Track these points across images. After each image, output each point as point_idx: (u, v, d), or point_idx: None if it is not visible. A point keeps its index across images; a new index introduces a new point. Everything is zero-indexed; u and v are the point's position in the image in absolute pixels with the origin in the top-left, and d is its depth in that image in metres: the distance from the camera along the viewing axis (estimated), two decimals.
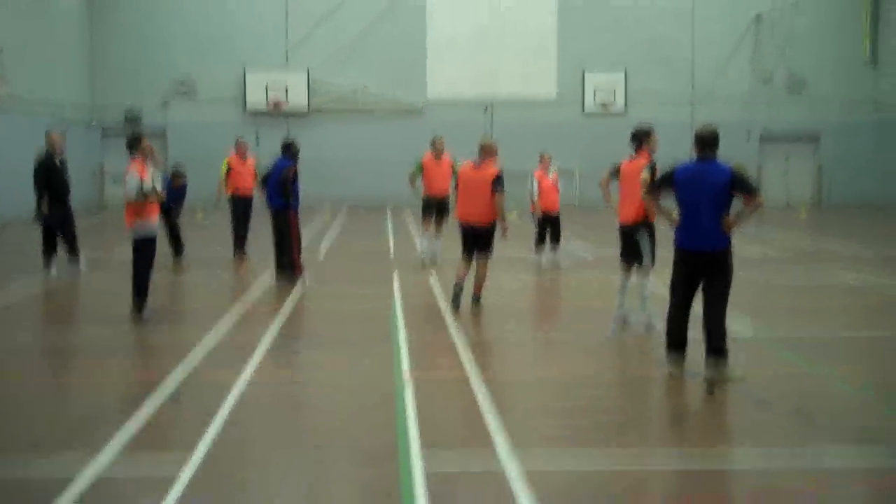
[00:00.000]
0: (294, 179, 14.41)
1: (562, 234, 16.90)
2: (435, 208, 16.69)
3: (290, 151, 14.65)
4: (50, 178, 15.04)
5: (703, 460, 6.55)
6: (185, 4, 33.43)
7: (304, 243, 18.91)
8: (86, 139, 31.75)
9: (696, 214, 8.62)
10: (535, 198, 16.52)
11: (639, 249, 10.80)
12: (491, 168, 11.98)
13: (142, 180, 11.23)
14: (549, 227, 16.63)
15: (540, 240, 16.76)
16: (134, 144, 11.51)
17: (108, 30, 33.24)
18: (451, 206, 16.59)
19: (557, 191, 16.79)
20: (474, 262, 12.24)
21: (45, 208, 14.98)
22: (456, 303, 11.97)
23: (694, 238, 8.66)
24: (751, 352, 9.67)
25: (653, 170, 10.39)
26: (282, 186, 14.28)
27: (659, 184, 9.11)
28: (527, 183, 16.84)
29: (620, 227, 11.05)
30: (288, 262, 14.41)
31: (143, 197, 11.20)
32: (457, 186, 12.41)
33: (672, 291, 8.95)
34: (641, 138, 10.91)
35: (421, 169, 16.73)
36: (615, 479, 6.14)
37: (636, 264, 10.92)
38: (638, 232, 10.77)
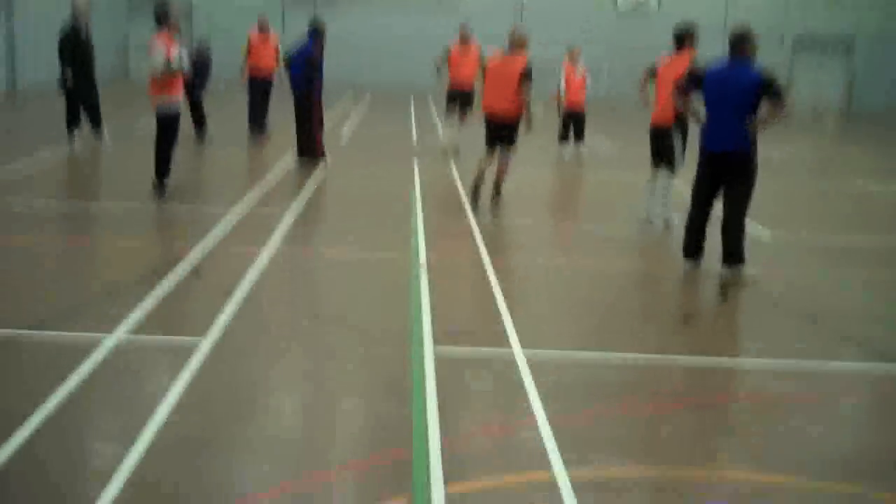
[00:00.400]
0: (319, 63, 14.27)
1: (586, 130, 16.76)
2: (459, 98, 16.47)
3: (317, 34, 14.46)
4: (75, 48, 14.93)
5: (708, 359, 6.63)
6: None
7: (326, 127, 18.92)
8: (111, 8, 31.34)
9: (722, 115, 8.53)
10: (563, 92, 16.35)
11: (667, 150, 10.69)
12: (520, 60, 11.74)
13: (168, 54, 11.14)
14: (573, 123, 16.50)
15: (564, 134, 16.67)
16: (162, 17, 11.37)
17: None
18: (476, 97, 16.50)
19: (585, 88, 16.59)
20: (497, 155, 12.12)
21: (69, 79, 14.92)
22: (475, 194, 11.80)
23: (717, 139, 8.59)
24: (766, 255, 9.69)
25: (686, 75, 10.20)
26: (307, 68, 14.14)
27: (688, 83, 8.97)
28: (554, 76, 16.64)
29: (653, 128, 10.89)
30: (310, 142, 14.36)
31: (168, 71, 11.14)
32: (484, 77, 12.19)
33: (693, 193, 8.93)
34: (684, 38, 10.67)
35: (448, 58, 16.48)
36: (619, 372, 6.24)
37: (663, 163, 10.83)
38: (669, 132, 10.64)
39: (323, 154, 14.40)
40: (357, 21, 32.92)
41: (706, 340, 7.12)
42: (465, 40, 16.35)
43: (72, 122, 15.22)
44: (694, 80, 8.90)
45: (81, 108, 15.16)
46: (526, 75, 11.55)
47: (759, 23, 31.22)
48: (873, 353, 6.91)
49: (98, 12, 20.48)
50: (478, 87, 16.16)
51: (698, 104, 8.91)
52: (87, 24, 15.18)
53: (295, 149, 14.58)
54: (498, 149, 11.92)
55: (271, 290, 7.74)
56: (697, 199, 8.87)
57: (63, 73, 14.89)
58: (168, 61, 11.10)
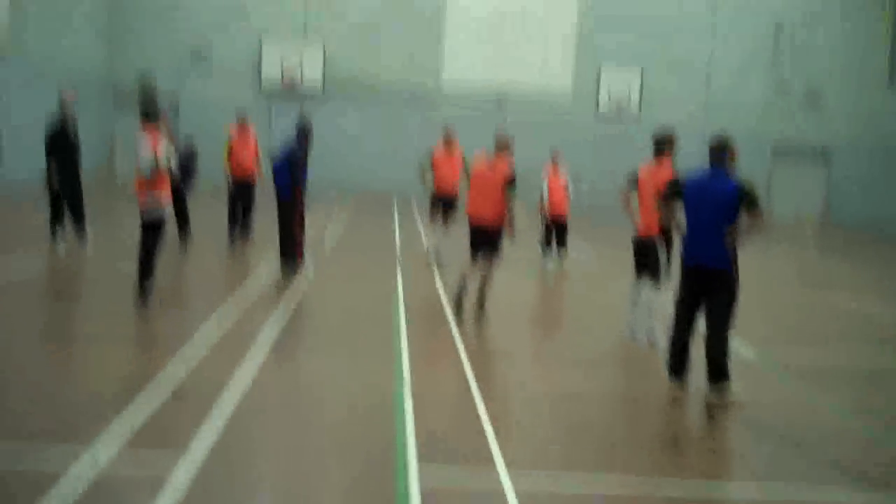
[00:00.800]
0: (304, 162, 14.16)
1: (568, 238, 16.83)
2: (443, 203, 16.46)
3: (303, 133, 14.30)
4: (61, 143, 14.90)
5: (696, 489, 6.53)
6: None
7: (310, 230, 18.90)
8: (98, 104, 31.59)
9: (700, 227, 8.51)
10: (545, 199, 16.45)
11: (651, 262, 10.69)
12: (504, 165, 11.74)
13: (155, 154, 10.95)
14: (555, 230, 16.57)
15: (546, 242, 16.72)
16: (149, 112, 11.13)
17: None
18: (460, 202, 16.60)
19: (567, 193, 16.70)
20: (481, 264, 12.09)
21: (54, 175, 14.87)
22: (458, 303, 11.75)
23: (697, 253, 8.56)
24: (751, 375, 9.66)
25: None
26: (291, 166, 14.01)
27: (669, 193, 8.94)
28: (536, 181, 16.75)
29: (637, 238, 10.86)
30: (291, 245, 14.16)
31: (156, 170, 11.00)
32: (469, 182, 12.23)
33: (675, 309, 8.89)
34: (664, 144, 10.67)
35: (431, 163, 16.50)
36: (605, 499, 6.14)
37: (648, 276, 10.82)
38: (654, 244, 10.66)
39: (302, 256, 14.23)
40: (340, 118, 33.25)
41: (693, 464, 7.03)
42: (448, 143, 16.43)
43: (55, 222, 15.12)
44: (673, 190, 8.88)
45: (65, 207, 15.07)
46: (511, 181, 11.58)
47: (740, 129, 32.09)
48: (859, 480, 6.84)
49: (84, 107, 20.64)
50: (462, 190, 16.31)
51: (681, 215, 8.89)
52: (74, 119, 15.16)
53: (277, 254, 14.48)
54: (481, 257, 11.87)
55: (252, 410, 7.60)
56: (679, 315, 8.83)
57: (49, 168, 14.84)
58: (155, 159, 10.89)
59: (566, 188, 16.70)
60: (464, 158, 16.43)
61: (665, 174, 10.29)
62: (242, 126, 17.51)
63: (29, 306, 11.14)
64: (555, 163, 16.74)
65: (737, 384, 8.61)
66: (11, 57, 24.63)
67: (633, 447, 7.35)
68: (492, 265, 11.91)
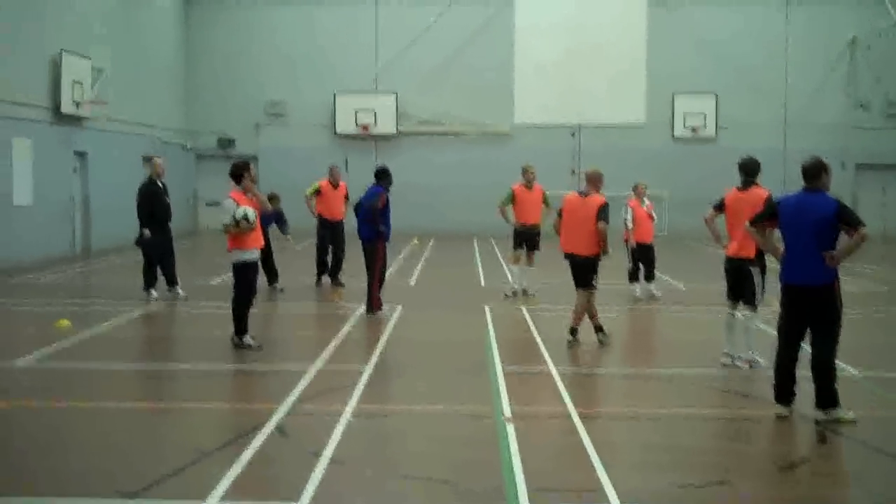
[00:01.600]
0: (385, 208, 14.29)
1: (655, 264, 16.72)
2: (525, 237, 16.57)
3: (383, 178, 14.49)
4: (153, 202, 15.45)
5: None
6: (278, 30, 33.93)
7: (393, 269, 19.03)
8: (180, 163, 32.33)
9: (800, 247, 8.46)
10: (630, 227, 16.39)
11: (747, 285, 10.55)
12: (596, 198, 11.87)
13: (240, 207, 11.39)
14: (643, 260, 16.47)
15: (634, 271, 16.61)
16: (237, 175, 11.71)
17: (202, 55, 33.94)
18: (543, 236, 16.62)
19: (652, 220, 16.66)
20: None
21: (147, 233, 15.37)
22: (574, 336, 12.00)
23: (798, 272, 8.48)
24: (859, 394, 9.42)
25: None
26: (371, 214, 14.17)
27: (763, 216, 9.00)
28: (615, 208, 16.68)
29: (730, 262, 10.74)
30: (368, 296, 14.30)
31: (235, 225, 11.35)
32: (560, 216, 12.24)
33: (779, 332, 8.77)
34: (751, 171, 10.68)
35: (512, 198, 16.63)
36: None
37: (742, 300, 10.67)
38: (751, 266, 10.52)
39: (380, 308, 14.26)
40: (416, 160, 33.47)
41: (810, 489, 6.86)
42: (528, 179, 16.54)
43: (149, 280, 15.61)
44: (768, 213, 8.93)
45: (151, 267, 15.57)
46: (602, 210, 11.72)
47: (819, 147, 31.52)
48: None
49: (169, 169, 21.20)
50: (546, 226, 16.37)
51: (777, 236, 8.85)
52: (164, 182, 15.79)
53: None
54: (577, 288, 12.03)
55: (359, 450, 7.65)
56: (784, 337, 8.70)
57: (141, 229, 15.34)
58: (243, 215, 11.33)
59: (651, 217, 16.65)
60: (544, 194, 16.55)
61: (755, 198, 10.30)
62: (333, 182, 17.89)
63: (128, 362, 11.36)
64: (639, 192, 16.71)
65: (844, 403, 8.42)
66: (95, 122, 25.36)
67: (747, 472, 7.19)
68: (585, 293, 11.99)
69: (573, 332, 12.05)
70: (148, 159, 28.88)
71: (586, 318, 12.09)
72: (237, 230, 11.40)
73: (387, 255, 14.56)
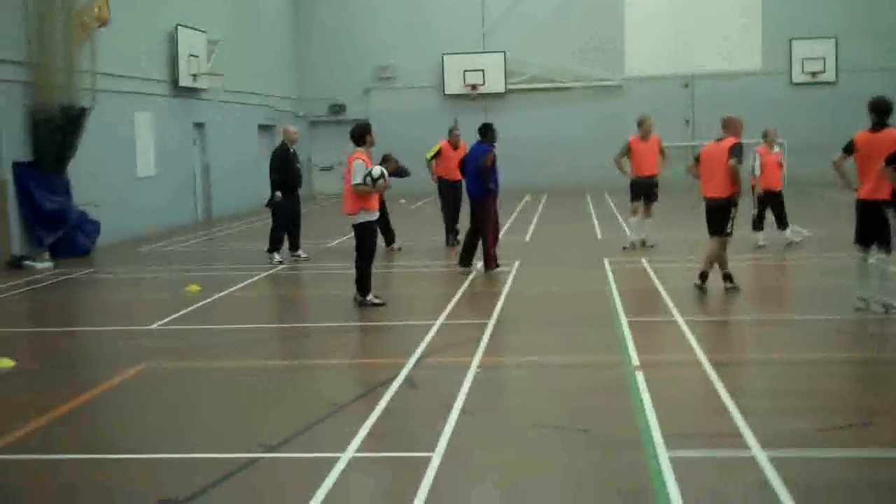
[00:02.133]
0: (493, 165, 14.24)
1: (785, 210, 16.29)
2: (644, 188, 16.38)
3: (488, 135, 14.42)
4: (285, 167, 16.01)
5: None
6: None
7: (507, 226, 19.01)
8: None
9: None
10: (758, 174, 16.01)
11: (882, 228, 10.18)
12: (729, 140, 11.79)
13: (375, 167, 11.55)
14: (771, 206, 16.05)
15: (758, 220, 16.20)
16: (359, 137, 11.85)
17: (311, 23, 34.30)
18: (661, 186, 16.39)
19: (781, 167, 16.26)
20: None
21: (279, 195, 15.83)
22: (703, 282, 11.91)
23: None
24: None
25: None
26: (480, 172, 14.13)
27: None
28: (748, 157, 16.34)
29: (863, 205, 10.38)
30: (484, 255, 14.26)
31: (372, 184, 11.48)
32: (696, 161, 12.20)
33: None
34: (887, 111, 10.32)
35: (627, 150, 16.45)
36: (873, 467, 5.87)
37: (876, 244, 10.31)
38: (886, 208, 10.13)
39: (495, 264, 14.22)
40: (526, 117, 33.32)
41: None
42: (643, 130, 16.34)
43: (275, 243, 16.04)
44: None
45: (279, 231, 15.93)
46: (734, 149, 11.61)
47: None
48: None
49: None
50: (670, 174, 16.24)
51: None
52: (295, 149, 16.46)
53: (460, 256, 14.56)
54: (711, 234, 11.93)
55: (488, 400, 7.69)
56: None
57: (273, 188, 15.96)
58: (372, 178, 11.46)
59: (780, 164, 16.23)
60: (660, 143, 16.36)
61: (889, 139, 9.99)
62: (453, 144, 17.86)
63: (261, 323, 11.62)
64: (769, 138, 16.32)
65: None
66: (212, 94, 25.91)
67: (891, 413, 6.98)
68: (717, 240, 11.86)
69: (703, 276, 11.90)
70: (267, 127, 29.73)
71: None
72: (373, 189, 11.53)
73: (498, 212, 14.50)
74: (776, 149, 16.33)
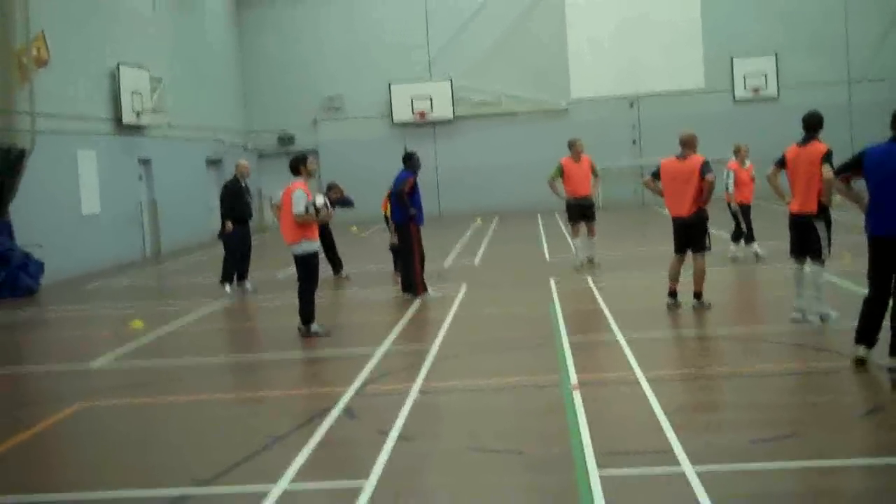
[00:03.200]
0: (412, 191, 14.25)
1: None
2: (579, 209, 16.51)
3: (410, 163, 14.52)
4: (236, 199, 16.18)
5: (891, 450, 6.25)
6: (328, 26, 34.14)
7: (457, 251, 19.08)
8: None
9: (887, 198, 8.33)
10: (731, 190, 16.21)
11: (813, 240, 10.36)
12: (696, 159, 11.74)
13: (312, 200, 11.55)
14: (744, 218, 16.23)
15: (738, 232, 16.35)
16: (298, 167, 11.86)
17: (257, 57, 34.30)
18: (598, 206, 16.53)
19: (753, 181, 16.46)
20: (686, 258, 12.00)
21: (230, 226, 16.02)
22: (673, 301, 11.96)
23: (884, 223, 8.38)
24: None
25: (831, 157, 10.03)
26: (399, 199, 14.23)
27: (848, 167, 8.91)
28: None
29: (794, 217, 10.59)
30: (409, 280, 14.31)
31: (314, 214, 11.50)
32: (654, 178, 12.16)
33: (869, 278, 8.61)
34: (816, 126, 10.47)
35: (561, 172, 16.56)
36: (801, 477, 5.95)
37: (809, 256, 10.47)
38: (815, 221, 10.33)
39: (423, 291, 14.23)
40: (474, 142, 33.58)
41: (882, 439, 6.71)
42: (575, 152, 16.51)
43: (227, 273, 16.12)
44: (853, 164, 8.82)
45: (232, 261, 16.02)
46: (705, 167, 11.61)
47: (885, 100, 30.83)
48: None
49: (230, 166, 21.64)
50: (595, 196, 16.65)
51: (861, 190, 8.80)
52: (247, 182, 16.62)
53: (401, 283, 14.65)
54: (691, 252, 11.90)
55: (427, 426, 7.69)
56: (872, 287, 8.56)
57: (223, 221, 16.14)
58: (314, 204, 11.50)
59: (752, 178, 16.40)
60: (592, 164, 16.64)
61: (815, 153, 10.20)
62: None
63: (204, 356, 11.53)
64: (741, 154, 16.51)
65: None
66: (157, 130, 25.81)
67: (819, 424, 7.08)
68: (700, 259, 11.88)
69: (697, 295, 11.93)
70: (216, 161, 29.67)
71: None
72: (315, 219, 11.56)
73: (421, 238, 14.47)
74: (748, 163, 16.51)
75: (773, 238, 16.69)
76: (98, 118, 22.83)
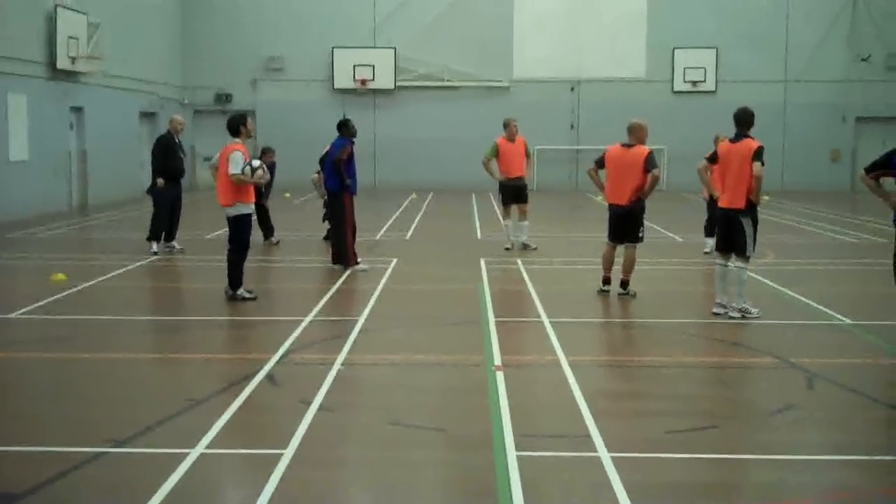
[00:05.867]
0: (349, 160, 14.06)
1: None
2: (512, 190, 16.49)
3: (345, 129, 14.26)
4: (168, 155, 15.95)
5: (800, 450, 6.43)
6: None
7: (389, 224, 19.08)
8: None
9: None
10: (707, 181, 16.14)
11: (738, 235, 10.55)
12: (641, 148, 11.81)
13: (249, 165, 11.44)
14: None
15: (711, 225, 15.98)
16: (236, 128, 11.69)
17: (200, 10, 33.64)
18: (532, 188, 16.56)
19: None
20: (619, 248, 12.12)
21: (160, 182, 15.80)
22: (606, 289, 12.12)
23: None
24: (849, 340, 9.47)
25: (762, 154, 10.25)
26: (336, 167, 14.05)
27: (877, 165, 9.52)
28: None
29: (722, 212, 10.77)
30: (342, 249, 14.17)
31: (251, 174, 11.41)
32: (602, 166, 12.17)
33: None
34: (747, 122, 10.65)
35: (495, 152, 16.55)
36: (714, 469, 6.10)
37: (734, 251, 10.67)
38: (741, 217, 10.52)
39: (354, 261, 14.12)
40: (415, 114, 33.48)
41: (795, 435, 6.90)
42: (509, 132, 16.47)
43: (155, 230, 15.84)
44: (882, 162, 9.47)
45: (161, 219, 15.82)
46: (650, 159, 11.71)
47: (821, 101, 31.52)
48: None
49: (164, 121, 21.24)
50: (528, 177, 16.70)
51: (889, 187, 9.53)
52: (180, 139, 16.37)
53: (331, 254, 14.54)
54: (625, 241, 12.03)
55: (348, 398, 7.71)
56: None
57: (154, 176, 15.92)
58: (251, 168, 11.42)
59: None
60: (526, 145, 16.61)
61: (745, 149, 10.43)
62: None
63: (126, 314, 11.36)
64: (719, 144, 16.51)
65: (833, 350, 8.47)
66: (91, 77, 25.24)
67: (735, 417, 7.25)
68: (633, 250, 12.02)
69: (624, 284, 12.05)
70: (150, 115, 29.15)
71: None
72: (251, 180, 11.46)
73: (354, 208, 14.34)
74: None
75: (690, 231, 17.12)
76: (32, 61, 22.25)
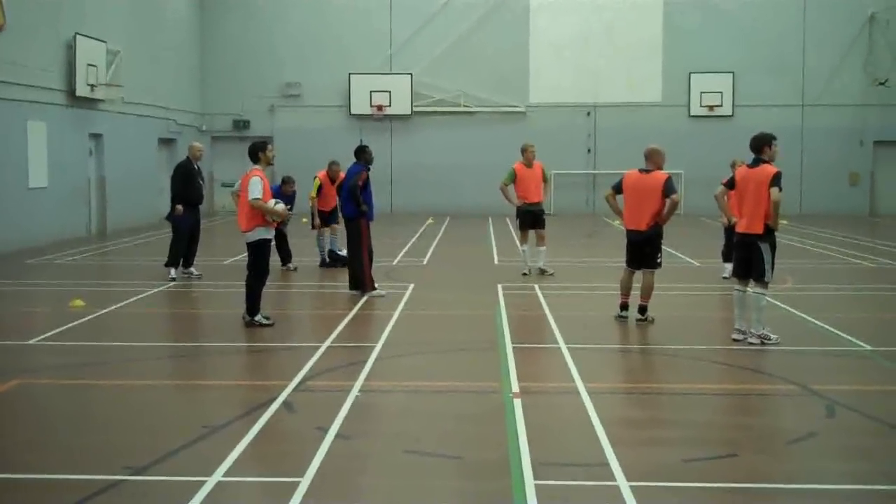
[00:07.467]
0: (365, 186, 14.12)
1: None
2: (530, 216, 16.47)
3: (362, 157, 14.31)
4: (187, 182, 15.95)
5: (821, 479, 6.36)
6: (292, 12, 33.85)
7: (406, 249, 19.08)
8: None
9: None
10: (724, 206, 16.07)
11: (757, 261, 10.50)
12: (659, 174, 11.79)
13: (266, 184, 11.54)
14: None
15: (728, 250, 15.90)
16: (255, 153, 11.80)
17: (217, 37, 33.91)
18: (549, 212, 16.54)
19: None
20: (637, 274, 12.08)
21: (179, 208, 15.85)
22: (624, 315, 12.09)
23: None
24: (868, 367, 9.39)
25: (779, 179, 10.21)
26: (352, 193, 14.07)
27: None
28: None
29: (741, 237, 10.71)
30: (359, 276, 14.14)
31: (273, 205, 11.51)
32: (619, 192, 12.11)
33: None
34: (764, 146, 10.61)
35: (513, 177, 16.55)
36: (732, 499, 6.04)
37: (752, 277, 10.62)
38: (759, 243, 10.47)
39: (370, 287, 14.10)
40: (431, 139, 33.57)
41: (816, 464, 6.84)
42: (528, 161, 16.47)
43: (174, 257, 15.93)
44: None
45: (180, 245, 15.87)
46: (669, 184, 11.66)
47: (838, 125, 31.47)
48: None
49: (183, 147, 21.35)
50: (546, 203, 16.66)
51: None
52: (199, 165, 16.42)
53: (349, 280, 14.42)
54: (642, 266, 11.99)
55: (365, 425, 7.68)
56: None
57: (174, 205, 15.92)
58: (274, 198, 11.58)
59: None
60: (543, 169, 16.59)
61: (763, 175, 10.39)
62: (330, 177, 17.36)
63: (145, 341, 11.40)
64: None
65: (854, 377, 8.41)
66: (110, 105, 25.43)
67: (755, 446, 7.18)
68: (651, 277, 11.99)
69: (642, 310, 12.02)
70: (168, 141, 29.33)
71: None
72: (272, 209, 11.50)
73: (370, 234, 14.33)
74: None
75: (707, 256, 17.10)
76: (51, 89, 22.44)
